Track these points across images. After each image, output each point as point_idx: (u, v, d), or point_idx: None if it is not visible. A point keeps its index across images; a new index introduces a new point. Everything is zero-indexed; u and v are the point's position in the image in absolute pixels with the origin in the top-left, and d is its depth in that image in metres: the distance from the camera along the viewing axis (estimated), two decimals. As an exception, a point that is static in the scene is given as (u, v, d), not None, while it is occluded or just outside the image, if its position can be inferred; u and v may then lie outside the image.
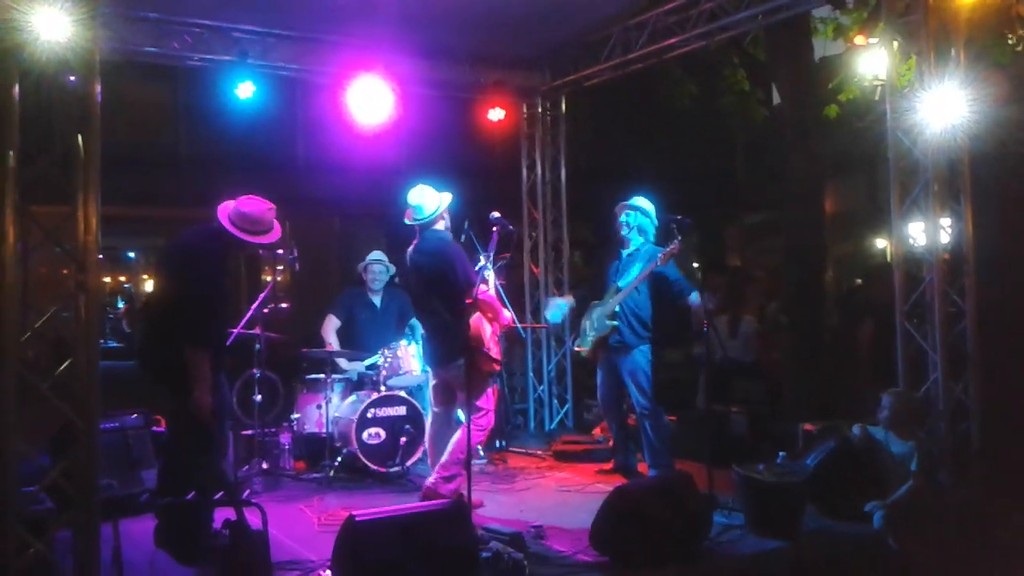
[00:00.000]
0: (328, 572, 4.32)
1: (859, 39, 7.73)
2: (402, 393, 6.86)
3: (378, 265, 7.46)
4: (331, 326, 7.44)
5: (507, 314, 6.11)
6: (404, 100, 8.09)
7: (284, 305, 14.93)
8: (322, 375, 6.98)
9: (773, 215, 13.13)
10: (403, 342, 7.10)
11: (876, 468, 5.31)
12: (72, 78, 3.49)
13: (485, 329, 5.75)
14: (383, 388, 6.83)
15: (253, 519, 4.35)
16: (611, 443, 7.10)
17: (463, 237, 6.31)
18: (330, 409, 6.84)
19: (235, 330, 6.61)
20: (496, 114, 8.65)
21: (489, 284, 5.94)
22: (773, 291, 9.73)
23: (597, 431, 7.79)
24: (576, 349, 7.13)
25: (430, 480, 5.75)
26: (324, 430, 6.81)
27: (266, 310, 6.83)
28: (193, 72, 8.25)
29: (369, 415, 6.62)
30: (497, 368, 6.16)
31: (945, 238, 5.67)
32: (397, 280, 7.56)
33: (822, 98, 8.44)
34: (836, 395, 7.77)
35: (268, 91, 8.05)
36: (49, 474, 3.77)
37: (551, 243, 9.18)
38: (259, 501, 5.68)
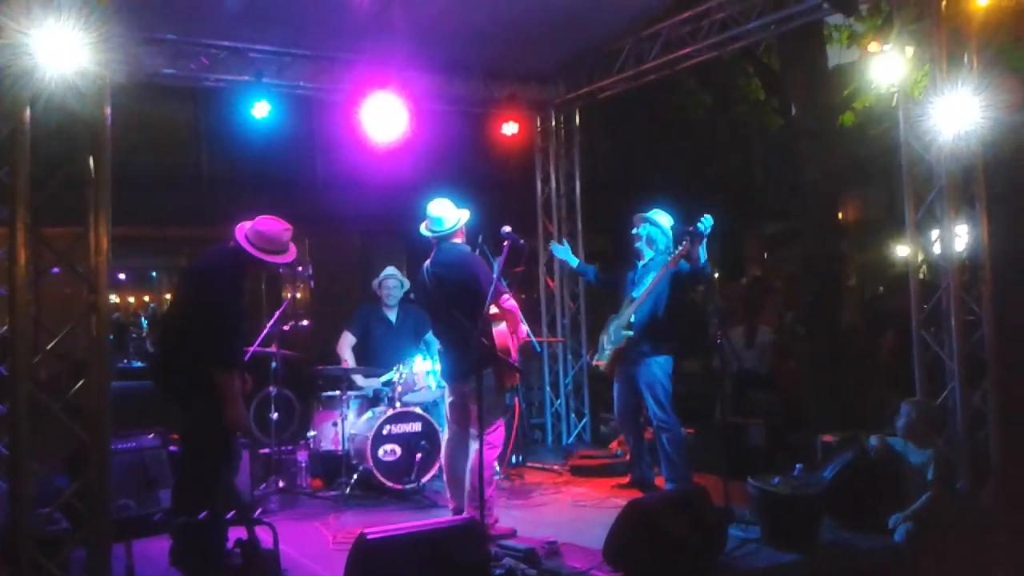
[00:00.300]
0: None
1: (873, 46, 7.67)
2: (417, 409, 6.86)
3: (392, 280, 7.49)
4: (347, 342, 7.46)
5: (523, 327, 6.10)
6: (419, 116, 8.14)
7: (305, 323, 15.03)
8: (337, 392, 6.99)
9: (793, 224, 13.05)
10: (418, 357, 7.11)
11: (894, 480, 5.26)
12: (82, 101, 3.52)
13: (510, 340, 5.72)
14: (398, 404, 6.83)
15: (265, 537, 4.37)
16: (628, 457, 7.07)
17: (477, 252, 6.31)
18: (346, 426, 6.84)
19: (251, 348, 6.66)
20: (510, 128, 8.67)
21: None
22: (792, 301, 9.67)
23: (614, 445, 7.75)
24: (594, 364, 7.11)
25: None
26: (340, 447, 6.81)
27: (286, 327, 6.87)
28: (215, 93, 8.37)
29: (384, 432, 6.62)
30: (518, 380, 6.13)
31: (961, 245, 5.62)
32: (412, 296, 7.58)
33: (837, 106, 8.40)
34: (856, 405, 7.69)
35: (288, 111, 8.12)
36: (63, 494, 3.80)
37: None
38: (275, 519, 5.73)
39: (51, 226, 3.78)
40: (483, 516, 5.09)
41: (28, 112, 3.47)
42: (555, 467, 7.67)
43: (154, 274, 21.16)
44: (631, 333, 6.47)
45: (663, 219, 6.63)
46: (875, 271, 14.90)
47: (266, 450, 6.90)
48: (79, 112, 3.52)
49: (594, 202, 9.56)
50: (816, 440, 6.42)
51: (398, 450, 6.65)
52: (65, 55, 3.39)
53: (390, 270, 7.58)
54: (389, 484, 6.56)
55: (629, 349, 6.52)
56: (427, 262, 5.81)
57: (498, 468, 7.11)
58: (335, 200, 13.89)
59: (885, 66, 7.20)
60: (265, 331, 6.79)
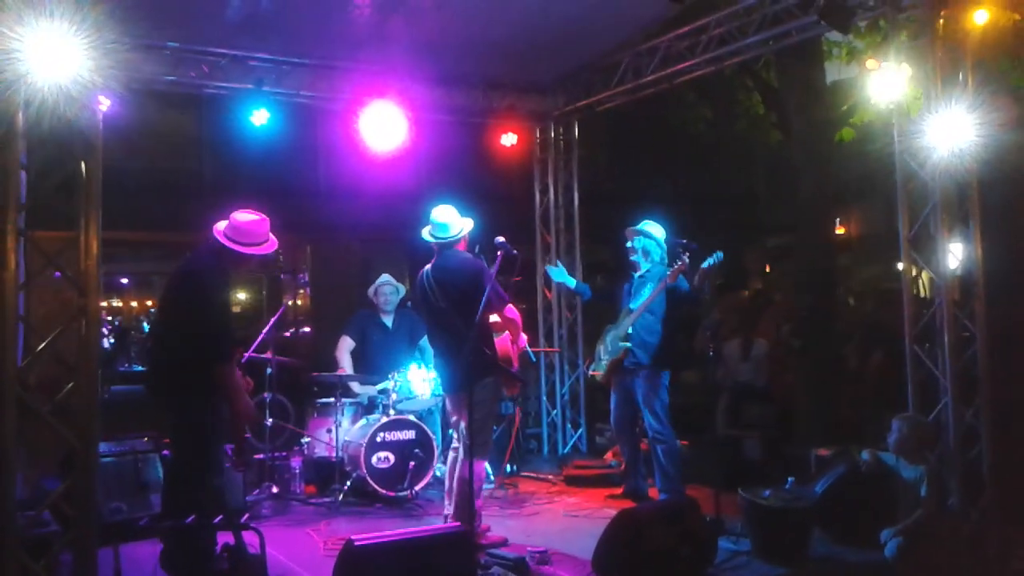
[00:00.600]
0: (327, 596, 4.32)
1: (871, 63, 7.70)
2: (411, 417, 6.87)
3: (388, 287, 7.54)
4: (345, 347, 7.49)
5: (523, 336, 6.10)
6: (419, 125, 8.18)
7: (306, 329, 15.01)
8: (332, 399, 7.01)
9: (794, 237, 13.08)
10: (413, 365, 7.13)
11: (886, 494, 5.24)
12: (74, 107, 3.55)
13: (511, 349, 5.72)
14: (392, 412, 6.85)
15: (254, 542, 4.37)
16: (623, 467, 7.07)
17: (476, 260, 6.32)
18: (340, 433, 6.85)
19: (247, 353, 6.68)
20: (509, 139, 8.72)
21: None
22: (791, 314, 9.67)
23: (609, 455, 7.74)
24: (591, 374, 7.12)
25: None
26: (334, 454, 6.82)
27: (287, 334, 6.89)
28: (216, 100, 8.38)
29: (378, 439, 6.63)
30: (519, 389, 6.13)
31: (954, 262, 5.62)
32: (409, 304, 7.62)
33: (834, 122, 8.42)
34: (851, 419, 7.69)
35: (290, 119, 8.17)
36: (50, 496, 3.81)
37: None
38: (267, 525, 5.76)
39: (42, 229, 3.81)
40: (472, 524, 5.10)
41: (20, 117, 3.50)
42: (549, 477, 7.67)
43: (156, 279, 21.24)
44: (628, 344, 6.50)
45: (655, 230, 6.68)
46: (875, 286, 14.89)
47: (260, 455, 6.91)
48: (71, 118, 3.54)
49: (595, 214, 9.58)
50: (811, 453, 6.42)
51: (392, 458, 6.66)
52: (58, 61, 3.42)
53: (385, 277, 7.62)
54: (382, 491, 6.56)
55: (626, 360, 6.54)
56: (427, 267, 5.77)
57: (492, 477, 7.13)
58: (336, 208, 13.93)
59: (883, 83, 7.25)
60: (260, 337, 6.81)
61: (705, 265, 6.21)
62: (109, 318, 18.60)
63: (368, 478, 6.53)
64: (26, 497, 4.80)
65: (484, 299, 5.21)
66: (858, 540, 5.28)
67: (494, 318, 5.74)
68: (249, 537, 4.35)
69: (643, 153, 15.58)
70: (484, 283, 5.35)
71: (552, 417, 9.16)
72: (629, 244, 6.72)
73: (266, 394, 6.89)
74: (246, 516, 5.56)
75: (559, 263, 7.39)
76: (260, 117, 7.63)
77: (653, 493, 6.63)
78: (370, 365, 7.36)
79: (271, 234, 5.18)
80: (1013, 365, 5.75)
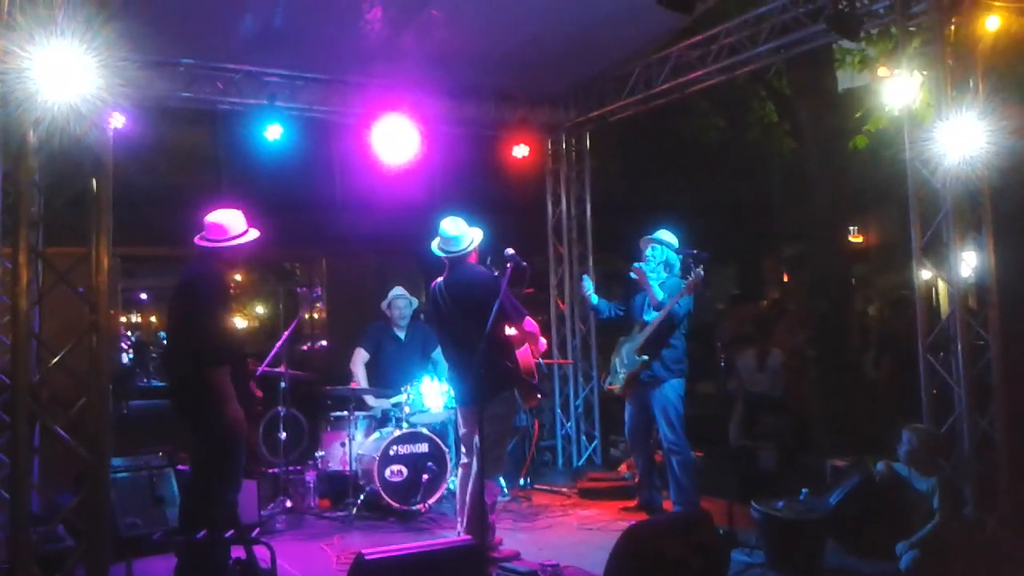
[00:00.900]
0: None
1: (883, 71, 7.67)
2: (424, 430, 6.88)
3: (402, 300, 7.57)
4: (359, 359, 7.52)
5: (542, 341, 6.06)
6: (432, 138, 8.22)
7: (323, 343, 15.03)
8: (345, 412, 7.03)
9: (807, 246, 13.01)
10: (426, 378, 7.14)
11: (900, 505, 5.20)
12: (84, 125, 3.59)
13: (532, 361, 5.69)
14: (405, 425, 6.86)
15: (265, 557, 4.39)
16: (637, 480, 7.04)
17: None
18: (354, 446, 6.87)
19: (261, 367, 6.72)
20: (521, 150, 8.75)
21: None
22: (806, 323, 9.62)
23: (623, 468, 7.72)
24: (608, 387, 7.05)
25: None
26: (348, 468, 6.83)
27: (304, 348, 6.93)
28: (232, 116, 8.48)
29: (391, 452, 6.64)
30: (539, 401, 6.12)
31: (967, 270, 5.58)
32: (422, 316, 7.64)
33: (848, 130, 8.39)
34: (866, 429, 7.62)
35: (305, 133, 8.23)
36: (63, 511, 3.84)
37: (577, 278, 9.17)
38: (281, 539, 5.80)
39: (54, 245, 3.85)
40: (484, 538, 5.08)
41: (31, 135, 3.55)
42: (563, 489, 7.65)
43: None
44: (645, 358, 6.45)
45: (671, 239, 6.62)
46: (892, 294, 14.79)
47: (275, 470, 6.93)
48: (81, 135, 3.59)
49: (608, 224, 9.57)
50: (826, 464, 6.38)
51: (405, 471, 6.67)
52: (68, 80, 3.46)
53: (398, 290, 7.65)
54: (396, 505, 6.57)
55: (644, 373, 6.51)
56: (440, 280, 5.74)
57: (507, 491, 7.12)
58: (351, 221, 13.98)
59: (898, 89, 7.21)
60: (274, 351, 6.84)
61: (698, 253, 6.16)
62: (128, 333, 18.73)
63: (381, 491, 6.54)
64: (41, 514, 4.84)
65: (495, 312, 5.16)
66: (873, 551, 5.23)
67: (512, 331, 5.69)
68: (260, 552, 4.36)
69: (656, 163, 15.54)
70: (497, 296, 5.29)
71: (566, 429, 9.14)
72: (648, 253, 6.66)
73: (280, 408, 6.92)
74: (256, 531, 5.57)
75: (586, 278, 7.30)
76: (274, 132, 7.70)
77: (667, 505, 6.59)
78: (384, 378, 7.38)
79: (251, 227, 5.14)
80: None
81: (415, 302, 7.62)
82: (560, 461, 9.07)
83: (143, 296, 19.24)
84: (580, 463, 8.99)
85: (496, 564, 5.21)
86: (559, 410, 9.16)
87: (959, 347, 5.43)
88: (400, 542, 5.28)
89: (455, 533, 5.72)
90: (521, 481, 7.66)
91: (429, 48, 7.20)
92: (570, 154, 9.30)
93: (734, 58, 7.16)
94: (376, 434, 7.04)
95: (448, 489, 6.86)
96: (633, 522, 4.99)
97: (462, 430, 5.81)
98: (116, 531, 5.29)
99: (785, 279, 19.29)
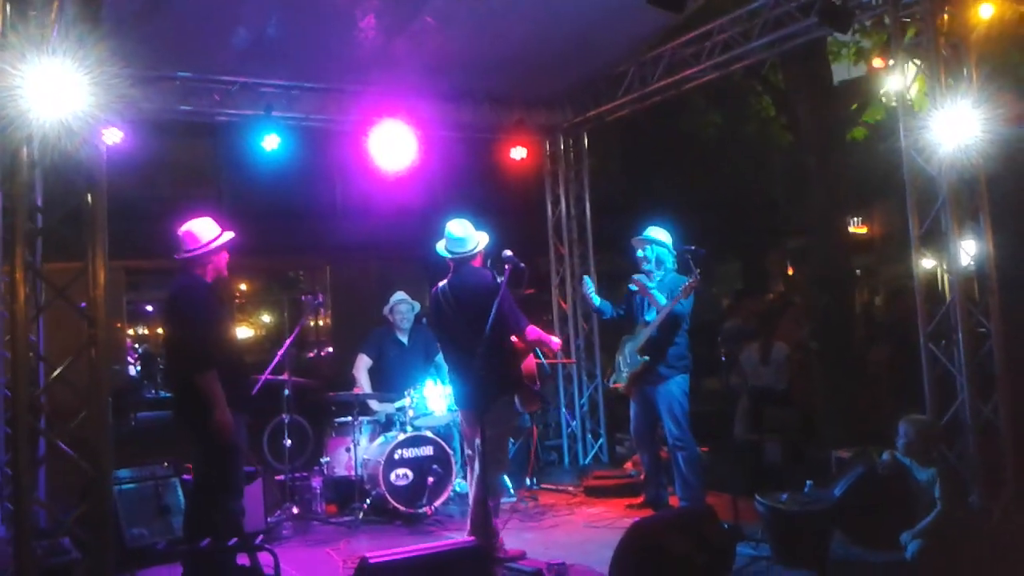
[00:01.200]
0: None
1: (877, 62, 7.67)
2: (429, 433, 6.89)
3: (404, 305, 7.59)
4: (363, 365, 7.54)
5: (555, 339, 6.04)
6: (430, 143, 8.24)
7: (329, 349, 15.04)
8: (350, 418, 7.05)
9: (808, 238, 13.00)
10: (429, 382, 7.16)
11: (903, 495, 5.19)
12: (76, 141, 3.62)
13: (534, 366, 5.68)
14: (410, 428, 6.88)
15: (269, 563, 4.41)
16: (643, 477, 7.04)
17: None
18: (359, 451, 6.89)
19: (264, 376, 6.75)
20: (518, 153, 8.76)
21: None
22: (809, 316, 9.61)
23: (628, 465, 7.73)
24: (612, 386, 7.06)
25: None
26: (353, 472, 6.86)
27: (310, 355, 6.95)
28: (230, 127, 8.52)
29: (396, 456, 6.66)
30: (539, 406, 6.12)
31: (966, 258, 5.58)
32: (424, 320, 7.66)
33: (845, 122, 8.39)
34: (871, 419, 7.62)
35: (303, 143, 8.27)
36: (66, 523, 3.87)
37: (578, 277, 9.18)
38: (287, 545, 5.82)
39: (53, 261, 3.88)
40: (488, 538, 5.09)
41: (24, 152, 3.58)
42: (569, 488, 7.66)
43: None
44: (648, 358, 6.44)
45: (663, 235, 6.62)
46: (896, 284, 14.78)
47: (281, 476, 6.96)
48: (73, 152, 3.62)
49: (608, 223, 9.58)
50: (831, 455, 6.37)
51: (410, 474, 6.69)
52: (59, 97, 3.49)
53: (400, 295, 7.66)
54: (402, 508, 6.59)
55: (646, 370, 6.52)
56: (443, 282, 5.71)
57: (512, 491, 7.13)
58: (352, 228, 14.05)
59: (892, 80, 7.22)
60: (277, 359, 6.86)
61: (696, 249, 6.18)
62: (136, 346, 18.80)
63: (387, 495, 6.56)
64: (48, 527, 4.88)
65: (493, 316, 5.13)
66: (879, 542, 5.21)
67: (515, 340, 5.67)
68: (264, 558, 4.38)
69: (655, 161, 15.58)
70: (503, 304, 5.27)
71: (572, 428, 9.15)
72: (640, 253, 6.67)
73: (284, 415, 6.95)
74: (260, 537, 5.59)
75: (587, 279, 7.29)
76: (271, 142, 7.73)
77: (673, 502, 6.59)
78: (387, 382, 7.40)
79: (223, 228, 5.17)
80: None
81: (417, 306, 7.65)
82: (566, 460, 9.07)
83: (148, 308, 19.30)
84: (586, 461, 9.00)
85: (502, 564, 5.22)
86: (564, 409, 9.16)
87: (960, 335, 5.43)
88: (406, 545, 5.28)
89: (462, 535, 5.73)
90: (527, 481, 7.67)
91: (424, 54, 7.23)
92: (568, 155, 9.31)
93: (728, 54, 7.17)
94: (381, 438, 7.06)
95: (455, 491, 6.87)
96: (636, 519, 5.00)
97: (465, 428, 5.84)
98: (122, 542, 5.31)
99: (790, 272, 19.26)
